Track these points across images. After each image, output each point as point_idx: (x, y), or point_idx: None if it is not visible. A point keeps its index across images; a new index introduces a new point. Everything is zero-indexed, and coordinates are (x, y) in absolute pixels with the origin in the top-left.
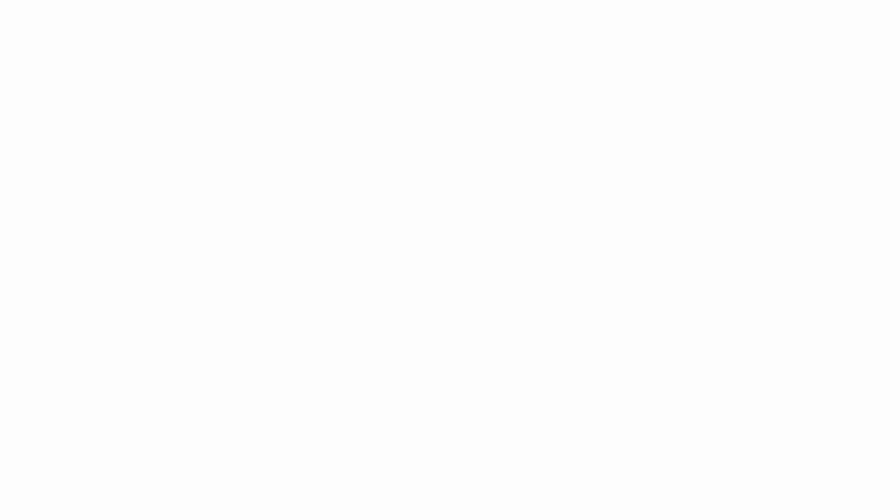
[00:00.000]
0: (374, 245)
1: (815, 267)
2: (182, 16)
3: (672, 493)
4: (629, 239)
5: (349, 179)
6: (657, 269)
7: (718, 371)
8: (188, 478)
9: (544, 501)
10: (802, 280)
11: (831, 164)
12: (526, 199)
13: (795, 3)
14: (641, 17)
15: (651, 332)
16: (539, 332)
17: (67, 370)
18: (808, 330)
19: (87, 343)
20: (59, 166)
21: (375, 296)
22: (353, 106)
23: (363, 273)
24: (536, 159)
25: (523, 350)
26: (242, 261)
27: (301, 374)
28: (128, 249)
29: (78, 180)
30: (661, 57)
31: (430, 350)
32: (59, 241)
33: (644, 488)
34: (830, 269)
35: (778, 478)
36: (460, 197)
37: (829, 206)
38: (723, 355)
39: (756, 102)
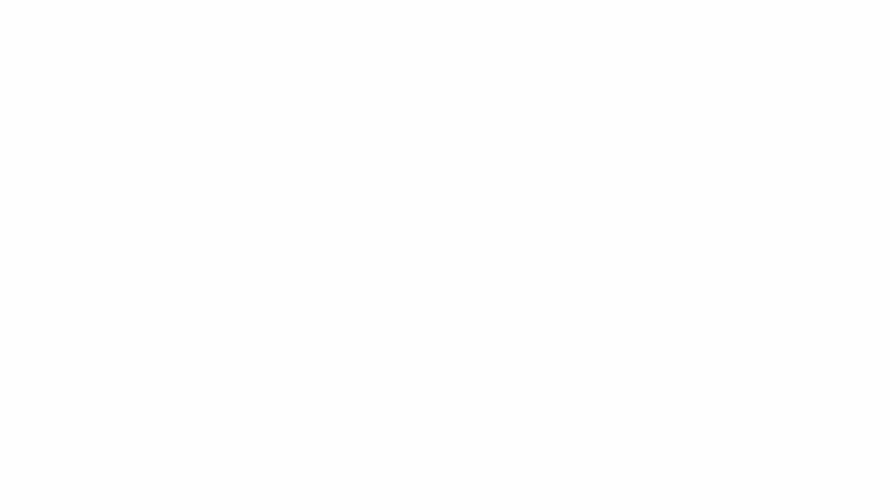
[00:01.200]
0: (375, 244)
1: (815, 266)
2: (182, 16)
3: (672, 493)
4: (629, 238)
5: (349, 179)
6: (657, 269)
7: (718, 371)
8: (188, 478)
9: (544, 501)
10: (802, 280)
11: (831, 163)
12: (526, 199)
13: (795, 3)
14: (641, 17)
15: (651, 331)
16: (539, 332)
17: (67, 370)
18: (807, 330)
19: (87, 343)
20: (60, 166)
21: (375, 295)
22: (353, 106)
23: (363, 272)
24: (536, 159)
25: (523, 349)
26: (243, 260)
27: (301, 374)
28: (128, 249)
29: (78, 180)
30: (662, 57)
31: (429, 349)
32: (59, 241)
33: (644, 488)
34: (830, 269)
35: (778, 478)
36: (460, 196)
37: (829, 206)
38: (723, 355)
39: (756, 102)
